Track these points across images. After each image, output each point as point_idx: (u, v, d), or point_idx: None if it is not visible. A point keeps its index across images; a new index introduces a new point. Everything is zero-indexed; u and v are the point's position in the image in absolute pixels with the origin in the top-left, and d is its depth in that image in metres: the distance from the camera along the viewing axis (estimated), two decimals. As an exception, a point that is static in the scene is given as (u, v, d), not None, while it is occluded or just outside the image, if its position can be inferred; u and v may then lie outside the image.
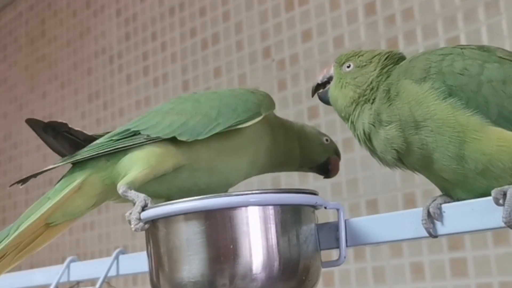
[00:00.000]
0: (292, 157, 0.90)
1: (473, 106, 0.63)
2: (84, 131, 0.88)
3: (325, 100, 0.80)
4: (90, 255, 2.30)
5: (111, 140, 0.81)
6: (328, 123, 1.63)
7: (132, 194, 0.74)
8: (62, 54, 2.66)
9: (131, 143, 0.79)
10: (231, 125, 0.78)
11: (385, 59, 0.73)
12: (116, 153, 0.80)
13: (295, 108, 1.72)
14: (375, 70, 0.73)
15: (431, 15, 1.47)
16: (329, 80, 0.78)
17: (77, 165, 0.83)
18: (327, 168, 0.94)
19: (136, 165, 0.78)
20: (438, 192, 1.39)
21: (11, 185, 0.90)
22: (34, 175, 0.87)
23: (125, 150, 0.80)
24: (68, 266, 1.06)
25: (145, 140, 0.79)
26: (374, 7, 1.58)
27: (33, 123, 0.89)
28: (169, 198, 0.82)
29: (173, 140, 0.79)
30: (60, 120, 0.88)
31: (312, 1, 1.72)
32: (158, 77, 2.17)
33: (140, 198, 0.72)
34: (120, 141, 0.80)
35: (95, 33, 2.49)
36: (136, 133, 0.80)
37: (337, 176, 1.61)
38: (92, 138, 0.86)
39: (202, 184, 0.82)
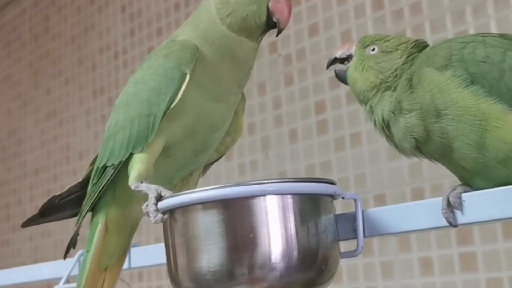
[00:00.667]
0: (230, 39, 0.76)
1: (495, 94, 0.62)
2: (73, 184, 0.88)
3: (342, 79, 0.78)
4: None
5: (94, 185, 0.81)
6: (335, 118, 1.63)
7: (144, 186, 0.74)
8: (66, 50, 2.65)
9: (107, 179, 0.79)
10: (167, 108, 0.74)
11: (411, 47, 0.73)
12: (111, 183, 0.80)
13: (301, 103, 1.71)
14: (400, 57, 0.72)
15: (440, 9, 1.46)
16: (347, 57, 0.77)
17: (92, 214, 0.85)
18: (272, 22, 0.77)
19: (134, 163, 0.77)
20: (446, 186, 1.38)
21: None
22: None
23: (116, 175, 0.79)
24: (78, 260, 1.06)
25: (114, 170, 0.78)
26: (381, 1, 1.58)
27: (29, 222, 0.92)
28: (194, 169, 0.83)
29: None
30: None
31: (319, -5, 1.71)
32: (164, 73, 2.16)
33: (151, 189, 0.71)
34: (100, 181, 0.80)
35: (100, 29, 2.49)
36: (105, 168, 0.80)
37: (345, 171, 1.62)
38: (85, 181, 0.86)
39: (199, 145, 0.79)
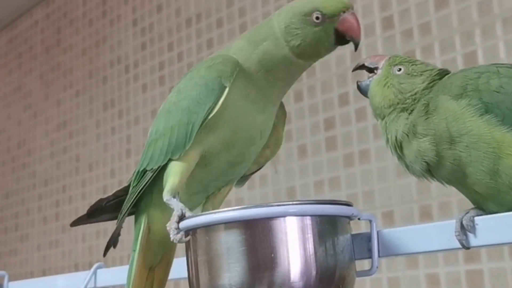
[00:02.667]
0: (293, 64, 0.78)
1: (509, 123, 0.65)
2: (119, 188, 0.91)
3: (363, 91, 0.80)
4: (105, 262, 2.31)
5: (133, 187, 0.84)
6: (344, 134, 1.65)
7: (173, 202, 0.76)
8: (77, 63, 2.68)
9: (146, 182, 0.81)
10: (204, 118, 0.75)
11: (435, 75, 0.75)
12: (149, 186, 0.82)
13: (311, 119, 1.74)
14: (423, 83, 0.74)
15: (449, 30, 1.49)
16: (374, 69, 0.79)
17: (135, 214, 0.88)
18: (341, 40, 0.76)
19: (169, 174, 0.80)
20: (454, 205, 1.40)
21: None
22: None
23: (154, 179, 0.82)
24: (95, 273, 1.08)
25: (152, 174, 0.81)
26: (391, 21, 1.60)
27: (78, 222, 0.94)
28: (230, 181, 0.85)
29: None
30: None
31: (330, 14, 1.74)
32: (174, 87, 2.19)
33: (178, 207, 0.73)
34: (139, 184, 0.83)
35: (111, 42, 2.52)
36: (145, 172, 0.82)
37: (353, 187, 1.65)
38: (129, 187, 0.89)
39: (234, 158, 0.81)
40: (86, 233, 2.43)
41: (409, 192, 1.50)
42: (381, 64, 0.79)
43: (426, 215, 1.46)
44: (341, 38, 0.76)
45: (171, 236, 0.71)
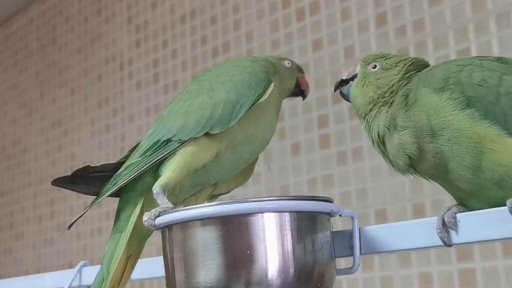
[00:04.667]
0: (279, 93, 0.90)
1: (491, 118, 0.63)
2: (107, 162, 0.89)
3: (345, 96, 0.81)
4: (97, 261, 2.31)
5: (145, 156, 0.81)
6: (338, 132, 1.64)
7: (160, 198, 0.76)
8: (72, 60, 2.67)
9: (167, 152, 0.80)
10: (253, 103, 0.80)
11: (409, 65, 0.74)
12: (157, 165, 0.81)
13: (305, 117, 1.72)
14: (398, 74, 0.74)
15: (442, 26, 1.47)
16: (353, 77, 0.79)
17: (127, 193, 0.84)
18: (300, 90, 0.93)
19: (170, 166, 0.79)
20: (447, 203, 1.39)
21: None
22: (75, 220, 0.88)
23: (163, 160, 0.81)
24: (80, 271, 1.07)
25: (179, 145, 0.80)
26: (385, 18, 1.59)
27: (59, 181, 0.91)
28: (221, 180, 0.86)
29: (205, 134, 0.80)
30: (81, 165, 0.90)
31: (324, 10, 1.73)
32: (169, 84, 2.18)
33: (164, 204, 0.74)
34: (154, 154, 0.81)
35: (106, 40, 2.51)
36: (168, 141, 0.81)
37: (346, 185, 1.63)
38: (119, 164, 0.87)
39: (246, 154, 0.84)
40: (81, 232, 2.42)
41: (402, 190, 1.49)
42: (357, 69, 0.79)
43: (419, 213, 1.45)
44: (295, 88, 0.92)
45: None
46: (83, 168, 0.88)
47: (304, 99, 0.96)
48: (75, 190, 0.92)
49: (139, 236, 0.83)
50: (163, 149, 0.81)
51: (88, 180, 0.89)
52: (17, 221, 2.80)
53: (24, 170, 2.84)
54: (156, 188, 0.77)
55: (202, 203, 0.87)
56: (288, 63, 0.91)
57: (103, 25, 2.54)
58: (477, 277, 1.34)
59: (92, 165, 0.89)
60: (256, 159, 0.91)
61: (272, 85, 0.82)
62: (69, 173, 0.89)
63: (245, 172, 0.91)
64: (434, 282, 1.41)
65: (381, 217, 1.52)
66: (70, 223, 0.87)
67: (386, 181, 1.52)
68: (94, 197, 0.88)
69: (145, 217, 0.71)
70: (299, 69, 0.94)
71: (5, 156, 2.99)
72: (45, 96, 2.80)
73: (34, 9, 2.96)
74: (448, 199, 1.39)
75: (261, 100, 0.81)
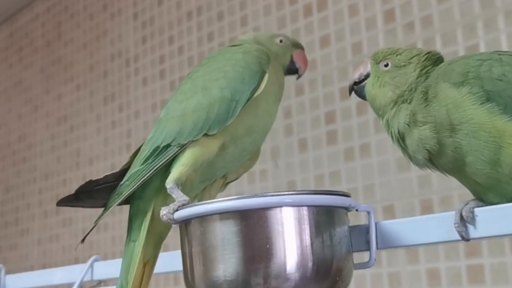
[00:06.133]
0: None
1: (510, 112, 0.64)
2: (110, 173, 0.88)
3: (361, 96, 0.80)
4: (103, 257, 2.31)
5: (147, 163, 0.81)
6: (345, 128, 1.64)
7: (175, 193, 0.76)
8: (78, 57, 2.68)
9: (168, 157, 0.80)
10: (249, 98, 0.79)
11: (424, 60, 0.74)
12: (161, 170, 0.80)
13: (312, 113, 1.73)
14: (414, 71, 0.73)
15: (451, 22, 1.48)
16: (365, 77, 0.79)
17: (137, 201, 0.84)
18: (295, 67, 0.91)
19: (179, 162, 0.79)
20: (455, 199, 1.39)
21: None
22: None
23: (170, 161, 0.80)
24: (91, 265, 1.07)
25: (179, 149, 0.79)
26: (393, 14, 1.59)
27: (64, 201, 0.89)
28: (228, 172, 0.86)
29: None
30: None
31: (331, 7, 1.73)
32: (175, 81, 2.18)
33: (181, 198, 0.73)
34: (156, 161, 0.80)
35: (112, 36, 2.51)
36: (168, 146, 0.80)
37: (353, 181, 1.63)
38: (123, 172, 0.86)
39: (248, 145, 0.83)
40: (86, 228, 2.42)
41: (410, 186, 1.49)
42: (368, 68, 0.78)
43: (427, 209, 1.45)
44: (290, 65, 0.90)
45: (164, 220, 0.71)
46: (86, 183, 0.87)
47: (298, 78, 0.93)
48: (82, 206, 0.91)
49: (154, 242, 0.83)
50: (164, 154, 0.80)
51: (93, 194, 0.87)
52: (22, 217, 2.81)
53: (29, 166, 2.84)
54: (170, 183, 0.77)
55: (215, 196, 0.88)
56: (281, 40, 0.89)
57: (109, 21, 2.54)
58: (485, 273, 1.35)
59: (94, 178, 0.88)
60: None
61: (266, 76, 0.81)
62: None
63: (252, 157, 0.89)
64: (442, 278, 1.41)
65: (389, 213, 1.52)
66: (83, 237, 0.87)
67: (393, 177, 1.52)
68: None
69: (164, 211, 0.71)
70: (296, 45, 0.91)
71: (10, 152, 2.99)
72: (50, 92, 2.80)
73: (40, 5, 2.96)
74: (456, 195, 1.40)
75: (256, 94, 0.80)
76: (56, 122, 2.72)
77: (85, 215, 2.43)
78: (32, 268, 2.64)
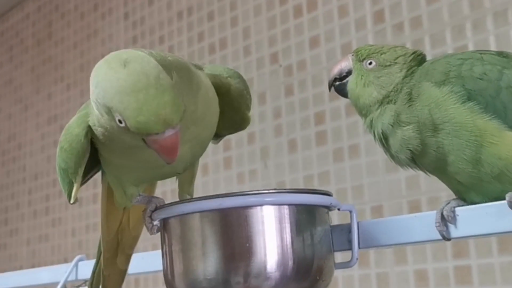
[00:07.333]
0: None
1: (491, 111, 0.63)
2: None
3: (342, 93, 0.78)
4: (92, 256, 2.30)
5: None
6: (334, 129, 1.64)
7: (141, 199, 0.75)
8: (68, 56, 2.67)
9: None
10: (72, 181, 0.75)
11: (410, 61, 0.73)
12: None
13: (301, 113, 1.72)
14: (400, 71, 0.72)
15: (440, 23, 1.48)
16: (347, 74, 0.77)
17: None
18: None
19: (117, 189, 0.79)
20: (443, 199, 1.39)
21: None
22: None
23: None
24: (76, 265, 1.06)
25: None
26: (382, 15, 1.59)
27: None
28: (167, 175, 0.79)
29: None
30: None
31: (321, 7, 1.73)
32: (165, 81, 2.17)
33: (149, 202, 0.72)
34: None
35: (103, 35, 2.50)
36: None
37: (343, 182, 1.63)
38: None
39: (145, 170, 0.76)
40: (76, 228, 2.41)
41: (398, 187, 1.49)
42: (349, 65, 0.76)
43: (415, 210, 1.45)
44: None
45: (148, 230, 0.70)
46: None
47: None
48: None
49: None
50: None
51: None
52: (11, 217, 2.79)
53: (19, 165, 2.83)
54: (131, 202, 0.77)
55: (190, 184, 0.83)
56: (120, 120, 0.61)
57: (100, 20, 2.53)
58: (472, 274, 1.35)
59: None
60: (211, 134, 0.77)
61: (74, 188, 0.73)
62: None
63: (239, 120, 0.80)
64: (430, 279, 1.41)
65: (378, 213, 1.52)
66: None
67: (382, 178, 1.52)
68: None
69: (144, 215, 0.70)
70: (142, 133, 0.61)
71: (0, 152, 2.98)
72: (40, 92, 2.79)
73: (30, 5, 2.95)
74: (444, 196, 1.39)
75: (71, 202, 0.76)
76: (46, 122, 2.70)
77: (75, 214, 2.42)
78: (21, 268, 2.62)
